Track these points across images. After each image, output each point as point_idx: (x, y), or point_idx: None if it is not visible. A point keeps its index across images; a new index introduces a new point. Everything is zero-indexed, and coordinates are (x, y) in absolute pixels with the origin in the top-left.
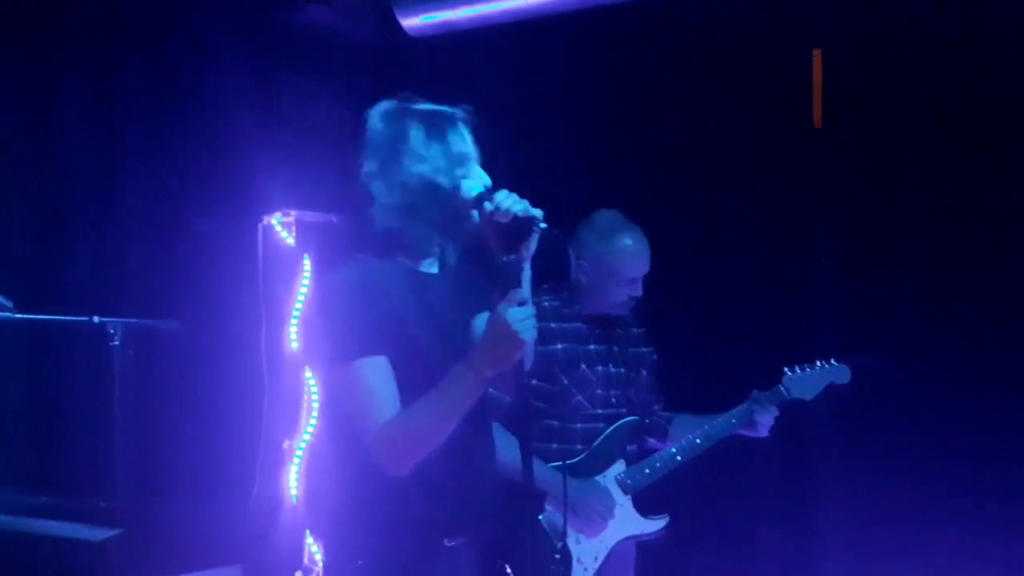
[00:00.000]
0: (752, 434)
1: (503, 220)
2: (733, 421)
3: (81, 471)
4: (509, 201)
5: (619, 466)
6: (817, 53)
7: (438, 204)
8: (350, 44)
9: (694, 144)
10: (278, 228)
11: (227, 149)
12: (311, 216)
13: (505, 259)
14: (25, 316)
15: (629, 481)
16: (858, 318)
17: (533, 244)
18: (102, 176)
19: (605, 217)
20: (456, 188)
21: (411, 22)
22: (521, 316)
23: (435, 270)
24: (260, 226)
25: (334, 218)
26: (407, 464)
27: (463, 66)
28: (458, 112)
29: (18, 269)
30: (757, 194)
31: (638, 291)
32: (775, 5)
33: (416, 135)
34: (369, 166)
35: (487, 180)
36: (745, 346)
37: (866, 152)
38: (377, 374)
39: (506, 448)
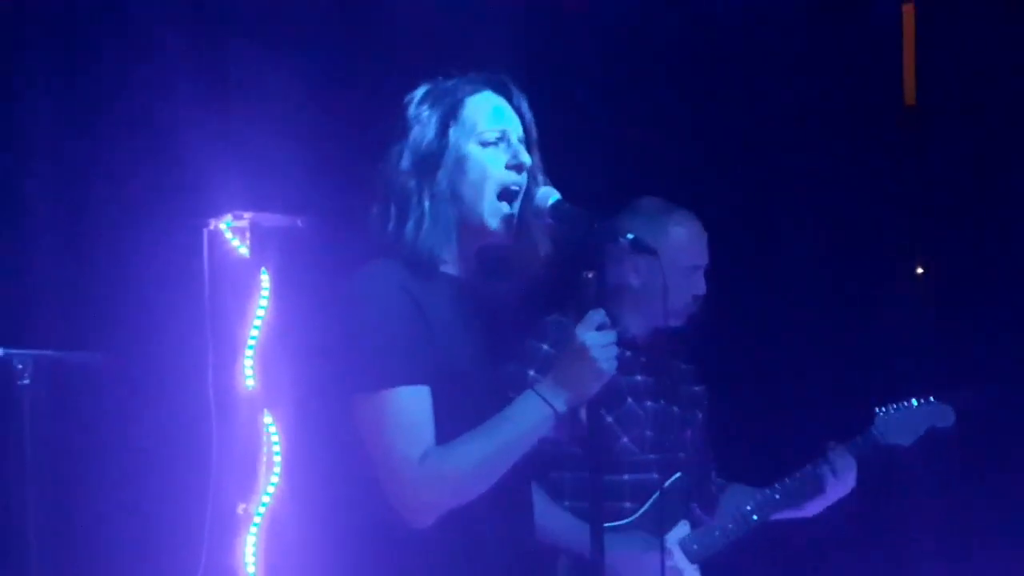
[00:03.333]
0: (814, 507)
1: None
2: (824, 470)
3: None
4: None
5: (683, 528)
6: (908, 9)
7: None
8: (317, 3)
9: (756, 127)
10: (228, 235)
11: (162, 136)
12: (270, 219)
13: (584, 275)
14: None
15: (696, 546)
16: (961, 344)
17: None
18: (1, 171)
19: (651, 202)
20: (523, 193)
21: None
22: (602, 341)
23: (454, 272)
24: (206, 232)
25: (299, 221)
26: (436, 512)
27: (459, 28)
28: (494, 79)
29: None
30: (834, 189)
31: (702, 287)
32: None
33: (461, 115)
34: (401, 161)
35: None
36: (815, 389)
37: (970, 136)
38: (417, 406)
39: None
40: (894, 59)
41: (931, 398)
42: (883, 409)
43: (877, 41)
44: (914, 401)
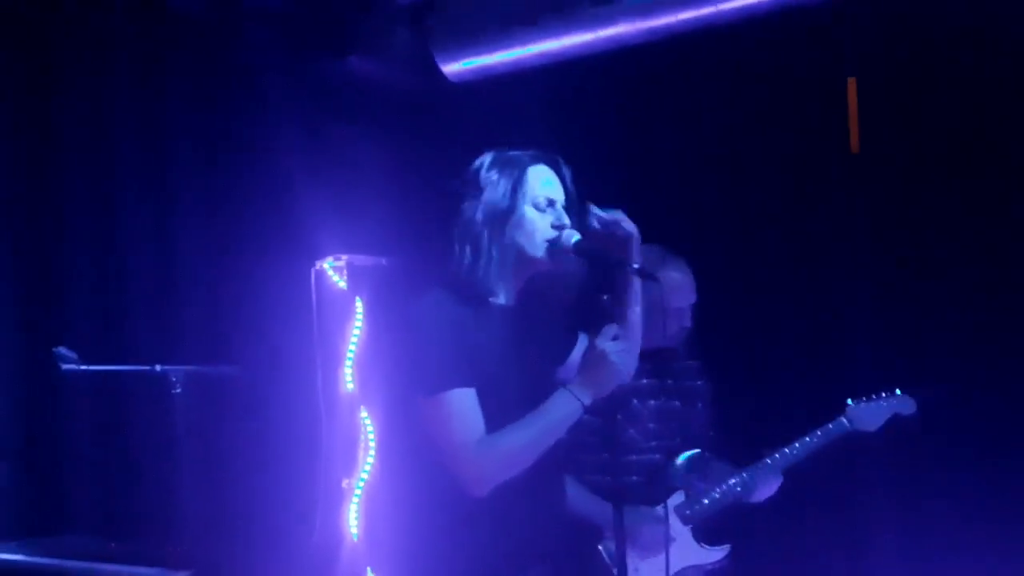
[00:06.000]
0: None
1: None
2: (800, 445)
3: (149, 516)
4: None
5: (678, 497)
6: (851, 81)
7: (533, 252)
8: (394, 91)
9: (735, 179)
10: (330, 272)
11: (279, 196)
12: (362, 259)
13: (601, 298)
14: (90, 368)
15: (688, 511)
16: (909, 352)
17: (627, 284)
18: (158, 227)
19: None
20: (554, 238)
21: (452, 68)
22: (618, 348)
23: (502, 302)
24: (313, 271)
25: (384, 260)
26: (492, 483)
27: (504, 110)
28: (548, 156)
29: (81, 322)
30: (797, 224)
31: (688, 321)
32: (806, 35)
33: (525, 184)
34: (476, 214)
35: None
36: (795, 384)
37: (908, 177)
38: (467, 403)
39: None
40: (842, 116)
41: (897, 391)
42: (853, 401)
43: (828, 103)
44: (882, 394)
